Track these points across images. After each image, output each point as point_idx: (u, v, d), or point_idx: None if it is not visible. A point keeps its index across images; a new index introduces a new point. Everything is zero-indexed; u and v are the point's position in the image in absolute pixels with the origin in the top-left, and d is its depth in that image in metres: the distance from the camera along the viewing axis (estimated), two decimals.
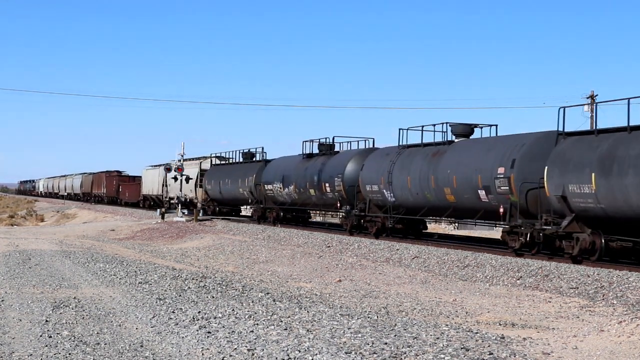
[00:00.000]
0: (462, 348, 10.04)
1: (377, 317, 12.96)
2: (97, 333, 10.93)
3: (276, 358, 9.37)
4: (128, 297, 14.49)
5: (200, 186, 54.37)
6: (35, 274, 18.31)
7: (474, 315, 14.91)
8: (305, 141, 39.92)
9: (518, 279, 19.92)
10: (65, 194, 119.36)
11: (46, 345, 9.97)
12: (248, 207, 54.15)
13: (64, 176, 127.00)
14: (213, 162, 55.55)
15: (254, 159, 48.45)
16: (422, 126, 30.35)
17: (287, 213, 42.14)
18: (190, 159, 58.33)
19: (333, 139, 38.54)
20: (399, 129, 31.33)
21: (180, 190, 54.92)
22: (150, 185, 67.74)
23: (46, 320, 11.76)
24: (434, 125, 29.99)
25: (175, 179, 55.39)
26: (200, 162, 56.27)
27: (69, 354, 9.54)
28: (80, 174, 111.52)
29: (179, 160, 55.35)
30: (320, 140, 38.92)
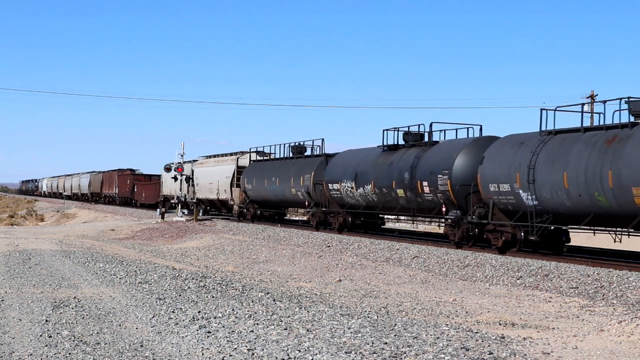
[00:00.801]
0: (462, 348, 10.04)
1: (377, 317, 12.96)
2: (97, 333, 10.93)
3: (276, 358, 9.37)
4: (128, 297, 14.49)
5: (237, 185, 47.45)
6: (35, 273, 18.31)
7: (474, 315, 14.91)
8: (387, 129, 31.22)
9: (518, 279, 19.92)
10: (71, 194, 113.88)
11: (46, 345, 9.97)
12: (302, 210, 47.00)
13: (70, 175, 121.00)
14: (252, 158, 48.02)
15: (309, 154, 40.98)
16: (581, 105, 23.34)
17: (356, 218, 34.61)
18: (224, 155, 53.04)
19: (431, 125, 29.81)
20: (540, 110, 23.53)
21: (180, 190, 54.93)
22: (173, 184, 60.69)
23: (46, 320, 11.76)
24: (604, 102, 22.45)
25: (175, 178, 55.38)
26: (237, 158, 48.97)
27: (69, 353, 9.54)
28: (88, 172, 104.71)
29: (180, 160, 55.23)
30: (411, 128, 30.71)
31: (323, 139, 40.85)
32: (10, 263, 20.88)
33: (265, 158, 47.22)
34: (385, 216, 37.73)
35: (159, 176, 71.56)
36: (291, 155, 41.98)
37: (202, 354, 9.69)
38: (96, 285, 16.57)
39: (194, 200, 53.44)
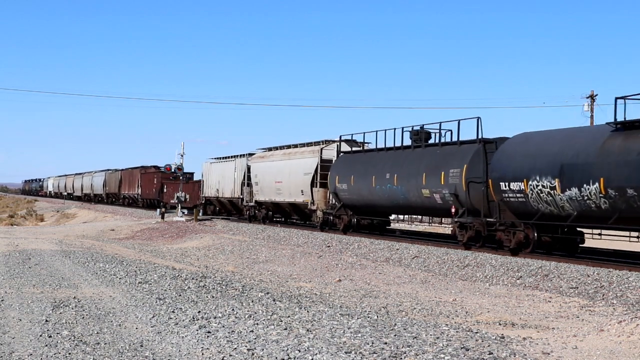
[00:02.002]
0: (462, 348, 10.04)
1: (377, 317, 12.96)
2: (97, 333, 10.93)
3: (276, 358, 9.37)
4: (128, 297, 14.49)
5: (322, 185, 36.43)
6: (35, 273, 18.31)
7: (474, 315, 14.91)
8: (619, 98, 20.79)
9: (518, 279, 19.92)
10: (82, 194, 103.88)
11: (46, 345, 9.97)
12: (426, 219, 37.67)
13: (80, 174, 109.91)
14: (342, 149, 36.45)
15: (435, 142, 29.84)
16: None
17: (545, 232, 23.39)
18: (298, 145, 41.45)
19: None
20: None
21: (181, 191, 54.82)
22: (218, 184, 51.96)
23: (46, 320, 11.76)
24: None
25: (176, 178, 55.47)
26: (321, 149, 37.22)
27: (69, 353, 9.54)
28: (103, 170, 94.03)
29: (180, 159, 54.92)
30: None
31: (479, 118, 26.35)
32: (10, 263, 20.88)
33: (364, 149, 35.67)
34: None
35: (192, 174, 65.30)
36: (412, 143, 30.28)
37: (202, 354, 9.69)
38: (96, 285, 16.57)
39: (252, 204, 45.03)
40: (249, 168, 45.75)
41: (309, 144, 39.78)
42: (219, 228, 43.12)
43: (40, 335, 10.59)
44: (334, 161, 36.12)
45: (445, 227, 36.78)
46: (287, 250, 29.34)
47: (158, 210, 54.79)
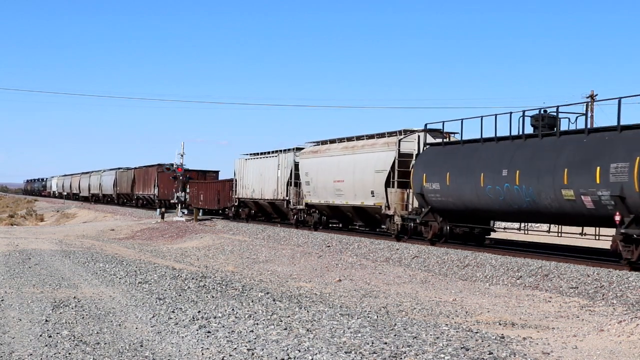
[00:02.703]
0: (462, 348, 10.04)
1: (377, 316, 12.96)
2: (97, 333, 10.93)
3: (276, 358, 9.37)
4: (128, 297, 14.49)
5: (400, 185, 29.69)
6: (35, 273, 18.31)
7: (474, 315, 14.91)
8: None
9: (518, 279, 19.92)
10: (89, 194, 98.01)
11: (46, 345, 9.96)
12: (544, 226, 29.46)
13: (87, 173, 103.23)
14: (426, 141, 29.91)
15: (595, 127, 23.88)
16: None
17: None
18: (368, 136, 33.79)
19: None
20: None
21: (182, 191, 54.77)
22: (255, 184, 44.41)
23: (46, 320, 11.75)
24: None
25: (176, 178, 55.24)
26: (399, 141, 30.15)
27: (69, 353, 9.54)
28: (113, 169, 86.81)
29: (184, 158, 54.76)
30: None
31: (620, 99, 20.70)
32: (10, 263, 20.88)
33: (462, 139, 27.62)
34: None
35: (217, 172, 60.31)
36: (538, 131, 23.52)
37: (202, 354, 9.69)
38: (96, 285, 16.57)
39: (301, 207, 38.16)
40: (296, 165, 38.74)
41: (380, 135, 32.41)
42: (219, 228, 43.13)
43: (40, 335, 10.59)
44: (415, 155, 29.55)
45: (586, 240, 25.34)
46: (287, 250, 29.34)
47: (158, 210, 54.76)
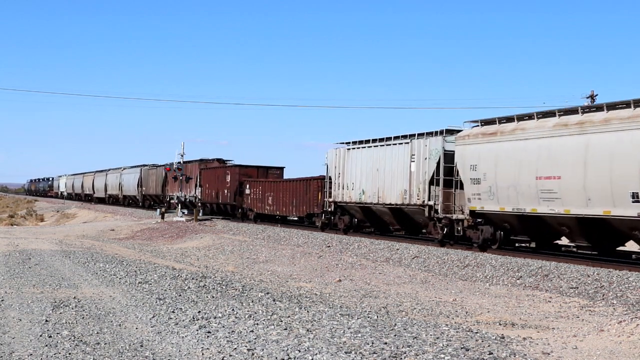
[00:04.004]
0: (462, 348, 10.04)
1: (377, 317, 12.96)
2: (97, 333, 10.93)
3: (276, 358, 9.37)
4: (128, 297, 14.49)
5: None
6: (35, 273, 18.31)
7: (474, 315, 14.91)
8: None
9: (518, 279, 19.92)
10: (105, 195, 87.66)
11: (46, 345, 9.96)
12: None
13: (103, 171, 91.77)
14: None
15: None
16: None
17: None
18: (610, 105, 20.97)
19: None
20: None
21: (180, 190, 54.63)
22: (367, 182, 32.76)
23: (46, 320, 11.75)
24: None
25: (176, 178, 55.06)
26: None
27: (69, 353, 9.54)
28: (137, 166, 75.03)
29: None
30: None
31: None
32: (10, 263, 20.88)
33: None
34: None
35: (281, 169, 48.68)
36: None
37: (202, 354, 9.69)
38: (96, 285, 16.57)
39: (463, 217, 26.70)
40: (447, 155, 27.91)
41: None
42: (219, 228, 43.11)
43: (40, 335, 10.59)
44: None
45: None
46: (287, 250, 29.34)
47: (158, 210, 54.59)
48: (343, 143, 35.66)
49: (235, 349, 9.84)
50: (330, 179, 36.01)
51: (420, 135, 29.58)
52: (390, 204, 30.96)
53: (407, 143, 30.05)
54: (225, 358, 9.46)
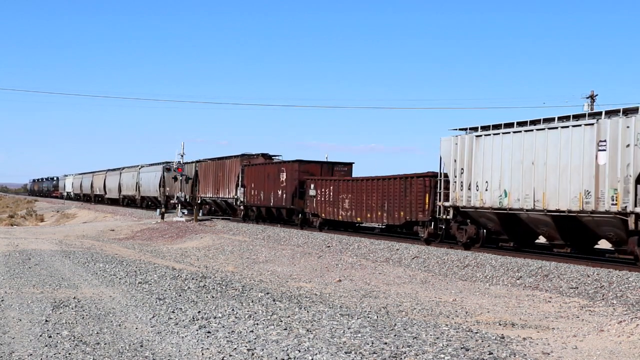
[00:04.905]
0: (462, 348, 10.04)
1: (377, 317, 12.96)
2: (97, 333, 10.93)
3: (276, 358, 9.37)
4: (128, 297, 14.49)
5: None
6: (35, 274, 18.31)
7: (474, 315, 14.91)
8: None
9: (518, 279, 19.93)
10: (119, 196, 79.85)
11: (46, 345, 9.96)
12: None
13: (116, 170, 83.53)
14: None
15: None
16: None
17: None
18: None
19: None
20: None
21: (181, 190, 54.43)
22: (509, 179, 24.57)
23: (46, 320, 11.76)
24: None
25: (176, 178, 54.87)
26: None
27: (69, 353, 9.54)
28: (159, 163, 66.50)
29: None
30: None
31: None
32: (10, 263, 20.88)
33: None
34: None
35: (349, 165, 39.82)
36: None
37: (202, 354, 9.69)
38: (96, 285, 16.57)
39: None
40: None
41: None
42: (219, 228, 43.10)
43: (40, 336, 10.59)
44: None
45: None
46: (287, 251, 29.34)
47: (158, 210, 54.50)
48: (464, 129, 27.03)
49: (235, 349, 9.84)
50: (445, 176, 27.57)
51: (613, 112, 21.33)
52: (557, 211, 22.45)
53: (592, 124, 21.51)
54: (225, 358, 9.45)
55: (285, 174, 40.37)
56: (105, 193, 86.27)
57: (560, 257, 22.65)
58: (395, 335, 10.86)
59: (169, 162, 59.31)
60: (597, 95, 50.88)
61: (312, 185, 37.40)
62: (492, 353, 9.83)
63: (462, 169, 26.63)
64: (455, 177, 26.94)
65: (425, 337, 10.86)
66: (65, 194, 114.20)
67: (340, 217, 35.12)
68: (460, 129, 27.32)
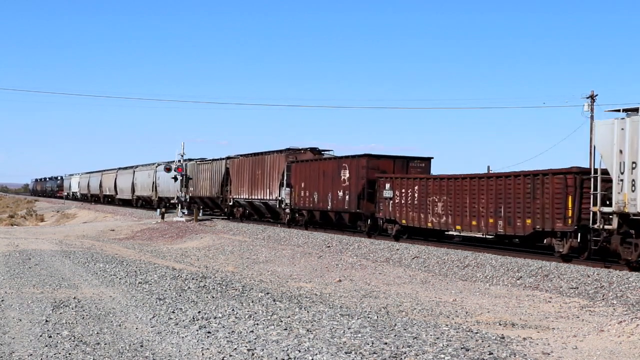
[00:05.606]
0: (462, 348, 10.04)
1: (377, 317, 12.96)
2: (97, 333, 10.93)
3: (276, 358, 9.37)
4: (128, 297, 14.49)
5: None
6: (35, 274, 18.31)
7: (474, 315, 14.91)
8: None
9: (518, 279, 19.92)
10: (132, 197, 73.02)
11: (46, 345, 9.96)
12: None
13: (128, 168, 76.49)
14: None
15: None
16: None
17: None
18: None
19: None
20: None
21: (180, 190, 54.37)
22: None
23: (46, 320, 11.76)
24: None
25: (176, 178, 54.72)
26: None
27: (69, 354, 9.54)
28: (182, 161, 55.02)
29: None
30: None
31: None
32: (10, 263, 20.89)
33: None
34: None
35: (427, 160, 33.13)
36: None
37: (202, 354, 9.69)
38: (96, 285, 16.57)
39: None
40: None
41: None
42: (219, 228, 43.09)
43: (40, 336, 10.59)
44: None
45: None
46: (287, 251, 29.33)
47: (158, 210, 54.42)
48: (635, 109, 19.99)
49: (235, 349, 9.84)
50: (603, 172, 20.67)
51: None
52: None
53: None
54: (225, 358, 9.46)
55: (348, 171, 33.55)
56: (117, 193, 79.27)
57: (560, 258, 22.60)
58: (395, 336, 10.86)
59: (192, 159, 54.55)
60: (597, 95, 50.88)
61: (388, 185, 30.87)
62: (492, 353, 9.83)
63: (634, 162, 19.27)
64: (622, 173, 19.60)
65: (425, 337, 10.86)
66: (71, 194, 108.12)
67: (430, 224, 28.54)
68: (629, 110, 20.00)
